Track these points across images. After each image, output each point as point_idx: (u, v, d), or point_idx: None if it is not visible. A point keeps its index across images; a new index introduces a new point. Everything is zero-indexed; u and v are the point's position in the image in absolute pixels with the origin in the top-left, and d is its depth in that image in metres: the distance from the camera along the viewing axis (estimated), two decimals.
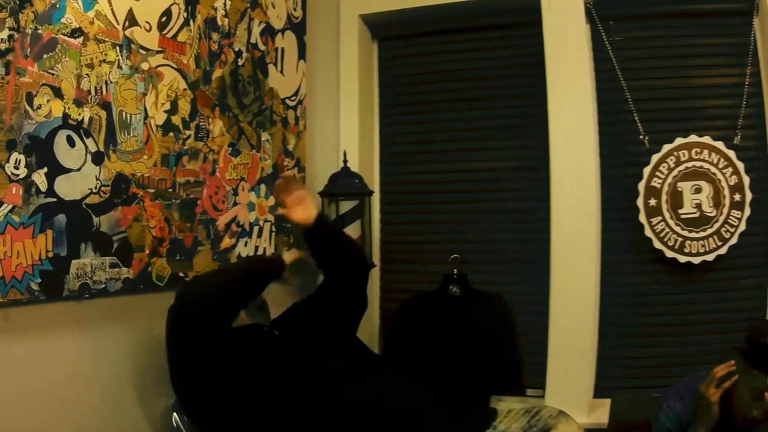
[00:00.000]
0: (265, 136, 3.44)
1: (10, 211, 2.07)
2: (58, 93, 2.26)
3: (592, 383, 3.61)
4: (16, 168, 2.10)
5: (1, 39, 2.04)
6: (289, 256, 2.82)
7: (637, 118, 3.64)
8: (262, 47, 3.43)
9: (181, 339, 2.37)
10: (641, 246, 3.61)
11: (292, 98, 3.72)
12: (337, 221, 3.54)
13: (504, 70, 3.98)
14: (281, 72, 3.60)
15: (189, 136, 2.89)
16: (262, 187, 3.40)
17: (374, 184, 4.03)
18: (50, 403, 2.26)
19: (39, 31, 2.18)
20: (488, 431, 2.25)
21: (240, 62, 3.25)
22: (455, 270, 3.55)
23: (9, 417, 2.08)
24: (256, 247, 3.33)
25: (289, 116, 3.67)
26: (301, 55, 3.81)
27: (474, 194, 4.00)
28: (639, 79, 3.70)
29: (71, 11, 2.29)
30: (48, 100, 2.22)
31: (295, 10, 3.74)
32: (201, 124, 2.97)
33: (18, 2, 2.09)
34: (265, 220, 3.41)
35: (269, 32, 3.49)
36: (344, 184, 3.63)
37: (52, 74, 2.23)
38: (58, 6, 2.24)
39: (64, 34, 2.27)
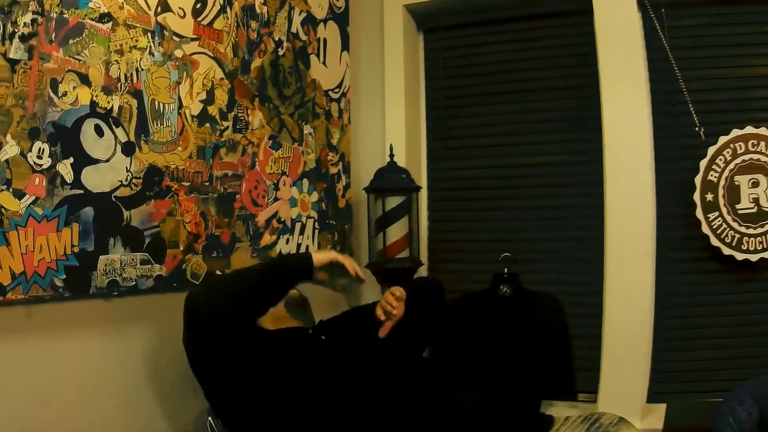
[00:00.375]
0: (307, 129, 3.30)
1: (33, 203, 1.95)
2: (85, 80, 2.13)
3: (646, 387, 3.42)
4: (39, 158, 1.98)
5: (24, 23, 1.92)
6: (321, 256, 2.37)
7: (692, 109, 3.44)
8: (303, 37, 3.29)
9: (198, 352, 2.21)
10: (697, 244, 3.42)
11: (336, 90, 3.57)
12: (383, 218, 3.42)
13: (555, 60, 3.81)
14: (324, 63, 3.46)
15: (227, 128, 2.75)
16: (305, 182, 3.25)
17: (421, 179, 3.88)
18: (73, 407, 2.14)
19: (65, 16, 2.05)
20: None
21: (280, 52, 3.11)
22: (506, 269, 3.40)
23: (30, 419, 1.97)
24: (299, 245, 3.18)
25: (332, 109, 3.52)
26: (344, 46, 3.67)
27: (525, 190, 3.83)
28: (694, 69, 3.51)
29: None
30: (74, 87, 2.09)
31: (337, 0, 3.60)
32: (239, 115, 2.83)
33: None
34: (308, 217, 3.26)
35: (310, 22, 3.35)
36: (390, 179, 3.48)
37: (79, 60, 2.10)
38: None
39: (91, 19, 2.14)
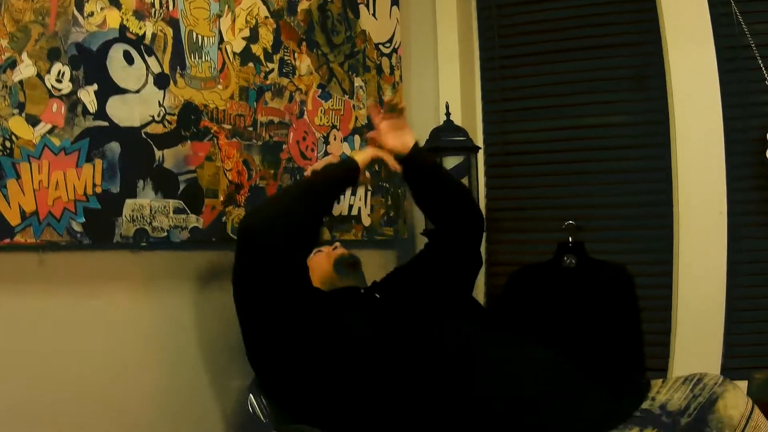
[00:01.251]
0: (358, 81, 3.05)
1: (49, 132, 1.68)
2: (114, 1, 1.87)
3: (719, 363, 3.22)
4: (59, 81, 1.71)
5: None
6: (363, 156, 2.26)
7: (761, 63, 3.24)
8: None
9: (252, 280, 1.94)
10: None
11: (386, 45, 3.34)
12: None
13: (616, 16, 3.61)
14: (373, 15, 3.21)
15: (272, 70, 2.48)
16: (357, 138, 3.00)
17: (478, 142, 3.65)
18: (90, 370, 1.89)
19: None
20: (646, 402, 1.77)
21: (328, 1, 2.87)
22: (570, 238, 3.18)
23: (41, 379, 1.73)
24: (350, 206, 2.93)
25: (383, 64, 3.27)
26: (395, 1, 3.43)
27: (588, 153, 3.62)
28: (760, 22, 3.31)
29: None
30: (102, 8, 1.83)
31: None
32: (286, 58, 2.56)
33: None
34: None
35: None
36: (447, 138, 3.23)
37: None
38: None
39: None
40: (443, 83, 3.67)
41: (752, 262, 3.26)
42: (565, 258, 3.16)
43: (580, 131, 3.59)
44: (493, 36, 3.79)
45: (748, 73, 3.25)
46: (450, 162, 3.15)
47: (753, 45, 3.20)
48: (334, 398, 1.85)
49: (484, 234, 3.10)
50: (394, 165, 2.26)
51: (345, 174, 2.19)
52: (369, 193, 3.05)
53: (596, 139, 3.56)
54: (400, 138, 2.31)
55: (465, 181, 3.17)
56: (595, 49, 3.57)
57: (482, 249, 3.27)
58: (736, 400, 1.72)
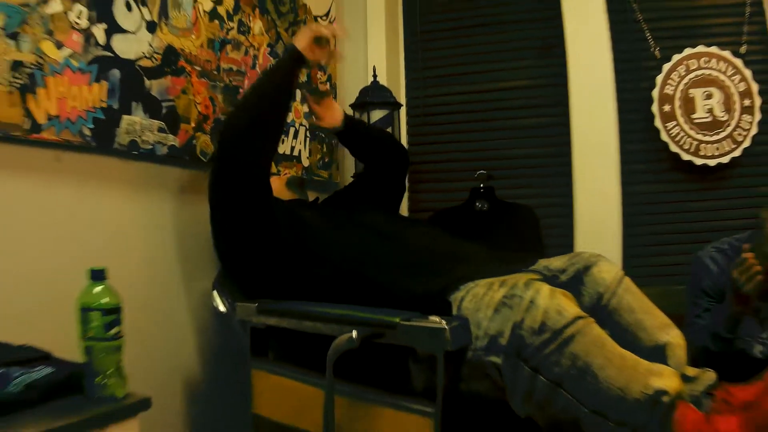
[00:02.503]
0: None
1: (70, 55, 2.09)
2: None
3: None
4: (78, 18, 2.13)
5: None
6: (301, 39, 2.46)
7: (648, 35, 3.77)
8: None
9: (227, 180, 2.33)
10: (659, 155, 3.72)
11: (324, 18, 3.77)
12: None
13: None
14: None
15: (232, 28, 2.91)
16: (297, 92, 3.43)
17: (401, 101, 4.09)
18: (91, 253, 2.25)
19: None
20: (534, 266, 2.26)
21: None
22: (482, 185, 3.59)
23: (49, 256, 2.10)
24: (292, 148, 3.36)
25: None
26: None
27: (498, 112, 4.06)
28: (649, 2, 3.84)
29: None
30: None
31: None
32: (243, 19, 2.99)
33: None
34: (300, 124, 3.44)
35: None
36: (374, 95, 3.66)
37: None
38: None
39: None
40: (371, 50, 4.06)
41: (645, 203, 3.77)
42: (477, 202, 3.57)
43: (491, 94, 4.04)
44: (415, 11, 4.21)
45: (638, 43, 3.75)
46: (376, 115, 3.57)
47: (642, 18, 3.74)
48: (287, 272, 2.28)
49: (408, 184, 3.59)
50: (332, 32, 2.51)
51: (292, 63, 2.43)
52: (308, 139, 3.49)
53: (505, 100, 4.01)
54: (332, 116, 2.84)
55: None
56: (504, 24, 4.04)
57: (406, 198, 3.79)
58: (608, 267, 2.18)
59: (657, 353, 1.97)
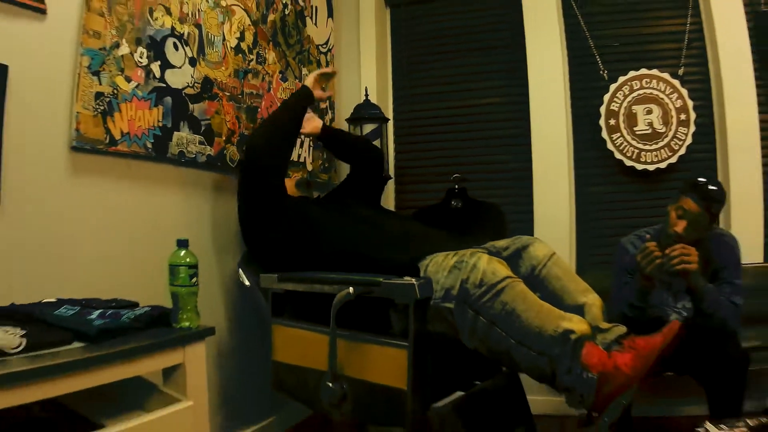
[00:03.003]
0: (305, 70, 4.12)
1: (136, 87, 2.75)
2: (168, 11, 2.94)
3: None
4: (141, 58, 2.78)
5: None
6: (309, 80, 3.35)
7: (598, 59, 4.38)
8: (301, 3, 4.13)
9: (248, 183, 3.03)
10: (606, 161, 4.32)
11: (324, 46, 4.41)
12: None
13: (491, 25, 4.73)
14: (315, 24, 4.30)
15: (252, 60, 3.57)
16: None
17: (388, 116, 4.71)
18: (142, 233, 2.88)
19: None
20: (483, 245, 2.87)
21: (286, 12, 3.95)
22: (456, 186, 4.09)
23: (102, 249, 2.68)
24: (299, 155, 4.00)
25: (322, 59, 4.36)
26: (330, 14, 4.51)
27: (470, 125, 4.70)
28: (600, 30, 4.44)
29: None
30: (162, 15, 2.90)
31: None
32: (260, 52, 3.65)
33: None
34: (306, 135, 4.06)
35: None
36: (366, 111, 4.27)
37: None
38: None
39: None
40: (364, 74, 4.70)
41: (595, 202, 4.37)
42: (453, 201, 4.07)
43: (465, 109, 4.68)
44: (401, 40, 4.85)
45: (589, 66, 4.36)
46: (368, 128, 4.19)
47: (593, 46, 4.36)
48: (297, 251, 2.94)
49: (394, 186, 4.21)
50: (332, 70, 3.49)
51: (304, 101, 3.27)
52: (311, 148, 4.14)
53: (476, 115, 4.65)
54: (311, 124, 3.50)
55: (378, 143, 4.19)
56: (476, 51, 4.69)
57: (393, 197, 4.40)
58: (542, 247, 2.80)
59: (578, 311, 2.57)
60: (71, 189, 2.52)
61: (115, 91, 2.65)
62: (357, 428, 3.40)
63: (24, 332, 1.70)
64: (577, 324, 2.32)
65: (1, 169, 2.15)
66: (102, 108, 2.57)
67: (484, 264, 2.36)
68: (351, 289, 2.41)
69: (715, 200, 3.08)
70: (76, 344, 1.82)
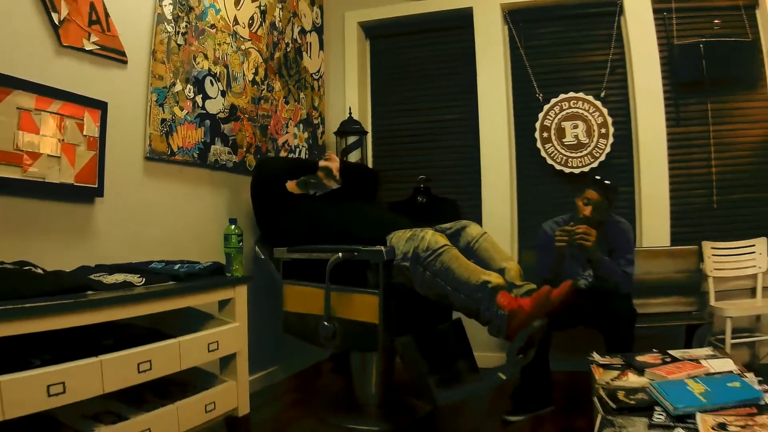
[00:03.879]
0: (302, 95, 5.16)
1: (186, 113, 3.79)
2: (206, 57, 3.97)
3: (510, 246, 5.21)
4: (189, 93, 3.82)
5: (181, 30, 3.78)
6: (323, 162, 4.32)
7: (535, 84, 5.34)
8: (299, 41, 5.16)
9: (260, 194, 4.08)
10: (541, 166, 5.25)
11: (316, 74, 5.45)
12: (345, 151, 5.23)
13: (450, 56, 5.65)
14: (310, 57, 5.34)
15: (264, 89, 4.62)
16: (301, 125, 5.13)
17: (368, 129, 5.62)
18: (198, 225, 3.98)
19: (197, 24, 3.91)
20: (433, 227, 3.80)
21: (288, 49, 4.99)
22: (421, 185, 5.04)
23: (167, 227, 3.74)
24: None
25: (314, 85, 5.40)
26: (321, 47, 5.55)
27: (433, 136, 5.69)
28: (537, 60, 5.36)
29: (210, 15, 4.03)
30: (202, 60, 3.94)
31: (317, 19, 5.49)
32: (269, 83, 4.69)
33: (187, 9, 3.82)
34: (302, 146, 5.15)
35: (303, 32, 5.23)
36: (350, 126, 5.24)
37: (203, 46, 3.96)
38: (204, 12, 3.97)
39: (208, 27, 4.00)
40: (348, 95, 5.68)
41: (533, 201, 5.23)
42: (419, 197, 5.02)
43: (429, 124, 5.63)
44: (380, 67, 5.77)
45: (529, 90, 5.28)
46: (351, 139, 5.15)
47: (531, 73, 5.30)
48: (299, 232, 3.94)
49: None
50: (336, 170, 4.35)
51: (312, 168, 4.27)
52: (307, 156, 5.19)
53: (438, 128, 5.60)
54: (334, 165, 4.37)
55: (359, 152, 5.15)
56: (438, 76, 5.62)
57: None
58: (476, 227, 3.76)
59: (501, 272, 3.54)
60: (147, 186, 3.59)
61: (174, 117, 3.67)
62: (340, 368, 4.55)
63: (141, 276, 2.80)
64: (493, 278, 3.33)
65: (104, 173, 3.19)
66: (165, 130, 3.61)
67: (429, 236, 3.42)
68: (340, 254, 3.48)
69: (610, 190, 4.01)
70: (171, 283, 2.90)
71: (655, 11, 5.20)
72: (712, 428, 2.17)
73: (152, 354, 2.53)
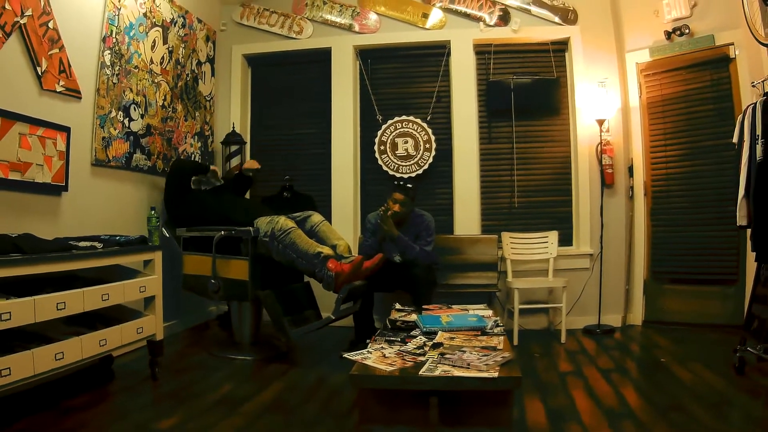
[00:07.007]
0: (197, 113, 6.75)
1: (119, 132, 5.38)
2: (131, 90, 5.54)
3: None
4: (120, 117, 5.40)
5: (116, 72, 5.49)
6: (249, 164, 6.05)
7: (376, 108, 6.93)
8: (196, 71, 6.74)
9: (170, 187, 5.65)
10: (378, 172, 6.83)
11: (208, 96, 7.05)
12: (229, 157, 6.81)
13: (312, 82, 7.16)
14: (204, 83, 6.93)
15: (170, 111, 6.20)
16: (197, 136, 6.71)
17: (247, 140, 7.21)
18: (124, 210, 5.61)
19: (126, 66, 5.48)
20: (288, 215, 5.62)
21: (188, 78, 6.57)
22: (287, 183, 6.54)
23: (108, 212, 5.46)
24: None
25: (207, 105, 6.99)
26: (213, 74, 7.14)
27: (297, 146, 7.17)
28: (379, 89, 6.92)
29: (134, 59, 5.61)
30: (128, 93, 5.52)
31: (210, 51, 7.08)
32: (174, 106, 6.28)
33: (119, 56, 5.41)
34: (196, 153, 6.74)
35: (199, 63, 6.81)
36: (233, 137, 6.79)
37: (129, 82, 5.54)
38: (131, 57, 5.55)
39: (133, 68, 5.58)
40: (232, 112, 7.24)
41: (375, 203, 6.92)
42: (285, 192, 6.54)
43: (294, 136, 7.22)
44: (259, 90, 7.28)
45: (371, 114, 6.86)
46: (233, 148, 6.71)
47: (374, 101, 6.90)
48: (195, 218, 5.61)
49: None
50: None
51: (204, 169, 6.31)
52: (200, 159, 6.94)
53: (301, 140, 7.21)
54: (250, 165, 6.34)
55: (240, 157, 6.73)
56: (302, 98, 7.22)
57: (250, 189, 7.08)
58: (318, 216, 5.52)
59: (333, 248, 5.30)
60: (94, 184, 5.17)
61: (110, 135, 5.23)
62: (224, 324, 6.18)
63: (99, 242, 4.55)
64: (325, 250, 5.09)
65: (69, 175, 4.77)
66: (105, 144, 5.16)
67: (282, 221, 5.13)
68: (222, 232, 5.20)
69: (411, 190, 5.67)
70: (116, 248, 4.56)
71: (477, 53, 6.79)
72: (445, 339, 3.84)
73: (110, 290, 4.20)
